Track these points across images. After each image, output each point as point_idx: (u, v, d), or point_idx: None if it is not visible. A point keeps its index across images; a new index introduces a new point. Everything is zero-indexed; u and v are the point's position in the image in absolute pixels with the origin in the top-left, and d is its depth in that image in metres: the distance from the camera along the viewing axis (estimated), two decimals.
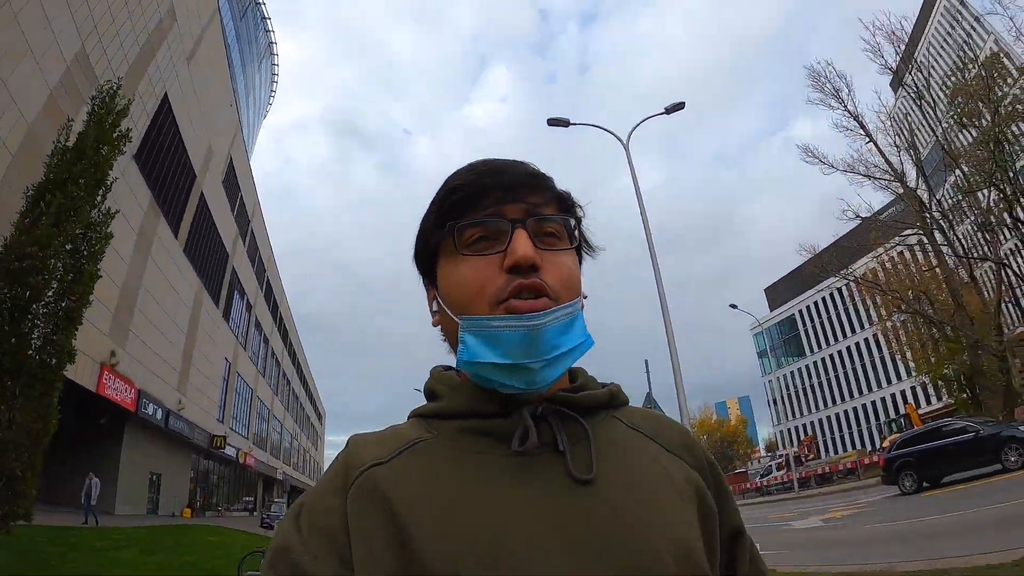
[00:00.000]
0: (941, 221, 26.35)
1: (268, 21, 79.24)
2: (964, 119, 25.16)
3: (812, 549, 11.08)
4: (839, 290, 37.88)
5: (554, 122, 16.45)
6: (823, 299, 64.27)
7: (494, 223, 0.77)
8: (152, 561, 12.08)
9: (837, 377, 75.56)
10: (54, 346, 9.28)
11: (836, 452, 63.47)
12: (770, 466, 45.68)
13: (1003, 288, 25.47)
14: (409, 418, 0.84)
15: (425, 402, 0.86)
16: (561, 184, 0.85)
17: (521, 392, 0.74)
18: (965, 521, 9.97)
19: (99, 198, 10.75)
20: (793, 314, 78.67)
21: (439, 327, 0.85)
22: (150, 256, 25.10)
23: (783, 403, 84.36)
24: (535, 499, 0.68)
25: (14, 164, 15.88)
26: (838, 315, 73.57)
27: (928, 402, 56.87)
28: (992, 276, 26.18)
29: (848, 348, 73.05)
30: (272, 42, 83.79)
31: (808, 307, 72.68)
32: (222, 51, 35.31)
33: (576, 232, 0.83)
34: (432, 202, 0.84)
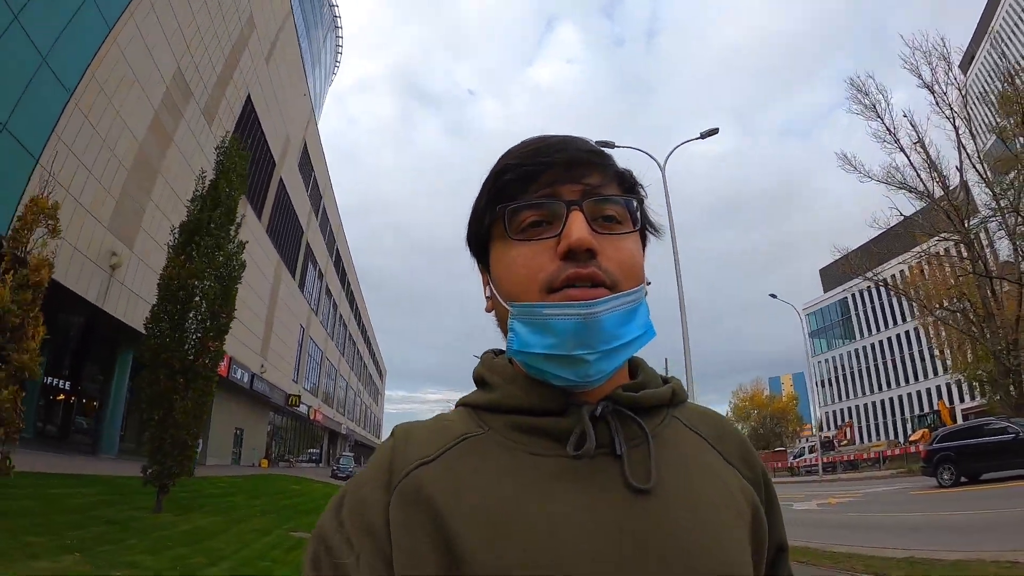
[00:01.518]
0: (971, 235, 27.18)
1: None
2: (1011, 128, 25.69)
3: (795, 527, 12.51)
4: (893, 276, 38.61)
5: (601, 144, 18.56)
6: (875, 285, 64.98)
7: (548, 205, 0.72)
8: (258, 504, 15.28)
9: (884, 364, 75.02)
10: (209, 351, 12.29)
11: (873, 439, 63.74)
12: (803, 448, 46.61)
13: (1021, 307, 26.25)
14: (457, 406, 0.82)
15: (474, 388, 0.83)
16: (623, 160, 0.81)
17: (575, 385, 0.71)
18: (952, 521, 10.77)
19: (233, 232, 13.51)
20: (846, 297, 77.85)
21: (492, 313, 0.80)
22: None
23: (830, 385, 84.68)
24: (590, 508, 0.64)
25: (131, 179, 19.09)
26: (890, 302, 72.81)
27: (961, 399, 56.58)
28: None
29: (897, 336, 72.43)
30: (337, 16, 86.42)
31: (861, 291, 72.20)
32: (295, 47, 38.16)
33: (639, 213, 0.77)
34: (484, 182, 0.79)
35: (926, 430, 37.70)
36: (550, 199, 0.72)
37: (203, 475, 20.33)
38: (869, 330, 77.91)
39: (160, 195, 21.16)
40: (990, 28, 70.54)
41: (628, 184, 0.78)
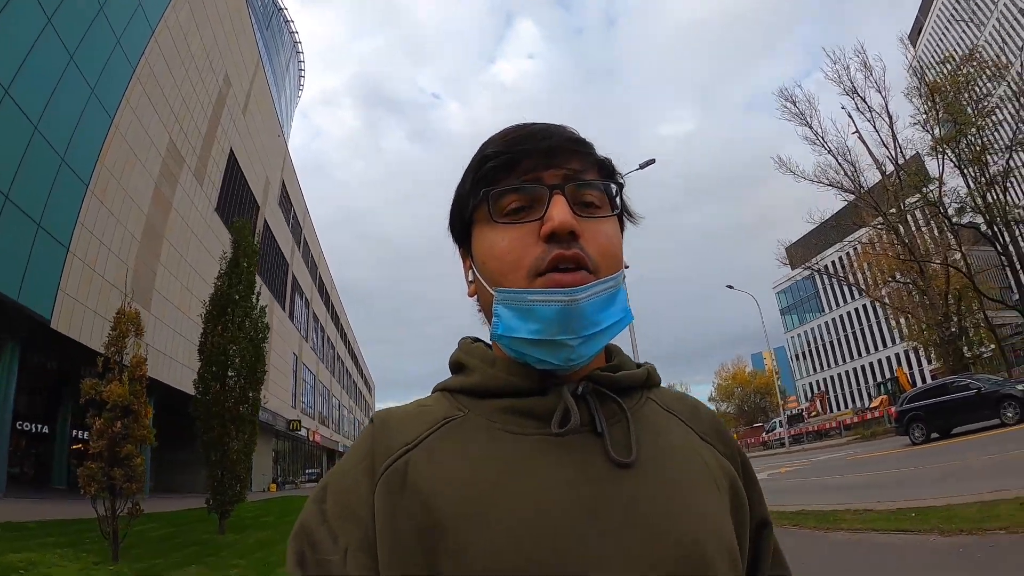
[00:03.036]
0: (900, 219, 30.17)
1: (291, 24, 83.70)
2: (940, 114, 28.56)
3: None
4: (854, 248, 41.67)
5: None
6: (839, 258, 67.44)
7: (531, 189, 0.74)
8: (291, 519, 17.60)
9: (852, 335, 78.80)
10: (249, 400, 14.76)
11: (845, 407, 66.67)
12: (774, 423, 48.60)
13: (948, 284, 29.35)
14: (434, 392, 0.83)
15: (450, 375, 0.84)
16: (600, 147, 0.82)
17: (557, 368, 0.72)
18: (874, 479, 12.38)
19: (255, 300, 15.84)
20: (811, 273, 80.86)
21: (475, 297, 0.82)
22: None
23: (805, 358, 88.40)
24: (576, 483, 0.66)
25: (142, 248, 21.24)
26: (853, 273, 75.89)
27: (928, 363, 58.86)
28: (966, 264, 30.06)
29: (863, 307, 75.43)
30: (297, 42, 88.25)
31: (827, 265, 75.05)
32: (267, 92, 40.20)
33: (618, 199, 0.79)
34: (467, 168, 0.81)
35: (885, 396, 40.67)
36: (534, 183, 0.74)
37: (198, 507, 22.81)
38: (836, 303, 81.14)
39: (167, 257, 23.34)
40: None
41: (608, 171, 0.80)
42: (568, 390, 0.73)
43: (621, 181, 0.81)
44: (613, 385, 0.77)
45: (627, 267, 0.80)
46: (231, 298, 15.07)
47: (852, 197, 31.68)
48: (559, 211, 0.71)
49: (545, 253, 0.71)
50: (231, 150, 30.94)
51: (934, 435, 18.34)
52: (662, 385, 0.88)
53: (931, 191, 29.11)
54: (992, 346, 33.46)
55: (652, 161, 20.59)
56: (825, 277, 67.61)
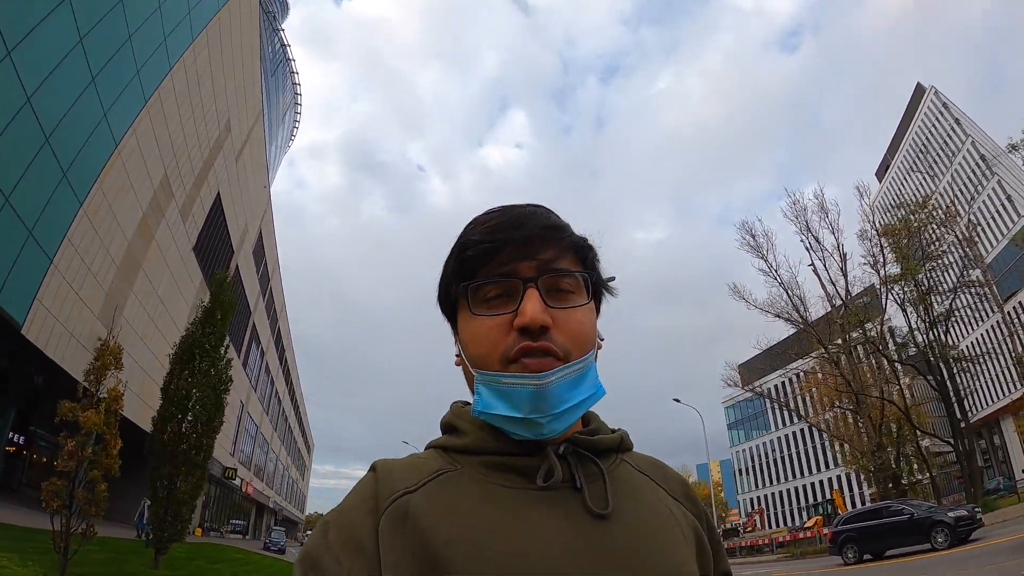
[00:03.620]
0: (847, 350, 32.06)
1: (296, 75, 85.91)
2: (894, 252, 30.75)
3: None
4: (797, 376, 43.54)
5: None
6: (784, 382, 68.90)
7: (506, 284, 0.81)
8: (217, 568, 17.40)
9: (796, 454, 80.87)
10: (201, 446, 14.91)
11: (783, 524, 67.82)
12: None
13: (882, 415, 31.10)
14: (427, 448, 0.90)
15: (441, 435, 0.91)
16: (577, 229, 0.90)
17: (533, 439, 0.80)
18: None
19: (223, 351, 16.20)
20: (761, 392, 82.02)
21: (460, 368, 0.88)
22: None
23: (748, 473, 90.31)
24: (558, 531, 0.73)
25: (119, 274, 21.43)
26: (795, 398, 77.86)
27: (864, 487, 60.54)
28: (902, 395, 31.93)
29: (805, 429, 77.07)
30: (298, 94, 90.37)
31: (776, 386, 76.65)
32: (262, 144, 41.34)
33: (592, 284, 0.87)
34: (451, 252, 0.88)
35: (820, 517, 41.47)
36: (507, 277, 0.81)
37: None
38: (783, 423, 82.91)
39: (139, 287, 23.45)
40: (905, 136, 78.96)
41: (583, 253, 0.88)
42: (552, 450, 0.81)
43: (596, 264, 0.91)
44: (591, 447, 0.84)
45: (602, 340, 0.89)
46: (202, 345, 15.45)
47: (799, 327, 33.57)
48: (531, 307, 0.78)
49: (515, 343, 0.78)
50: (218, 193, 31.50)
51: (867, 556, 18.84)
52: (634, 450, 0.96)
53: (873, 327, 31.03)
54: (934, 471, 34.94)
55: (612, 278, 21.65)
56: (776, 394, 69.45)
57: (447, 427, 0.91)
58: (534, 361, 0.77)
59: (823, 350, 32.63)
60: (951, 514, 17.68)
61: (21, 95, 15.07)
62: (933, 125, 71.95)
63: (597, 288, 0.91)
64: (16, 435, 24.95)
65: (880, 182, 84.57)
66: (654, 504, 0.84)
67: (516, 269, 0.81)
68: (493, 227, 0.83)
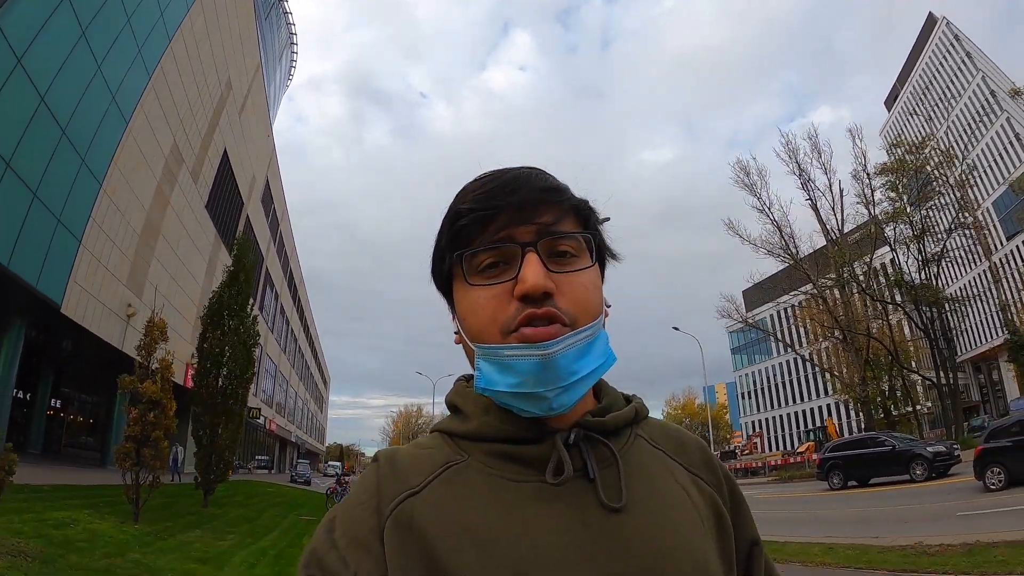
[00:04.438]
0: (829, 288, 33.55)
1: (290, 15, 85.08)
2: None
3: None
4: (793, 307, 44.97)
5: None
6: (785, 309, 68.97)
7: (504, 249, 0.75)
8: (254, 503, 19.68)
9: (795, 380, 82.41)
10: (237, 396, 16.83)
11: (780, 448, 68.81)
12: None
13: (867, 351, 32.63)
14: (432, 432, 0.86)
15: (448, 413, 0.87)
16: (578, 186, 0.84)
17: (542, 416, 0.75)
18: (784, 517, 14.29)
19: (249, 309, 17.86)
20: (764, 318, 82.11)
21: (461, 347, 0.84)
22: (215, 276, 32.41)
23: (750, 397, 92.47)
24: (569, 529, 0.69)
25: (140, 242, 23.00)
26: (796, 327, 78.03)
27: (848, 417, 62.61)
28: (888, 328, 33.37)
29: (806, 356, 78.60)
30: (293, 33, 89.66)
31: (774, 314, 76.24)
32: (263, 94, 42.04)
33: (596, 246, 0.81)
34: (442, 222, 0.82)
35: (812, 443, 43.56)
36: (504, 243, 0.75)
37: (188, 482, 23.60)
38: (783, 349, 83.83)
39: (160, 251, 25.09)
40: (915, 68, 76.70)
41: (585, 216, 0.82)
42: (561, 439, 0.75)
43: (598, 226, 0.84)
44: (602, 429, 0.78)
45: (609, 306, 0.84)
46: (229, 306, 17.03)
47: (789, 264, 34.84)
48: (531, 272, 0.72)
49: (518, 312, 0.72)
50: (225, 150, 32.74)
51: (852, 483, 19.86)
52: (649, 416, 0.90)
53: (862, 265, 32.31)
54: (927, 404, 36.79)
55: (607, 219, 22.87)
56: (775, 323, 70.57)
57: (451, 407, 0.87)
58: (537, 330, 0.71)
59: (811, 286, 34.00)
60: (930, 449, 18.77)
61: (35, 97, 16.30)
62: (944, 58, 69.60)
63: (601, 251, 0.84)
64: (54, 399, 27.19)
65: (889, 112, 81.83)
66: (670, 487, 0.79)
67: (513, 234, 0.76)
68: (486, 193, 0.77)
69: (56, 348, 22.94)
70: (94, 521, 10.24)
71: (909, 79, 77.79)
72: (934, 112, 69.22)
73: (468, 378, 0.88)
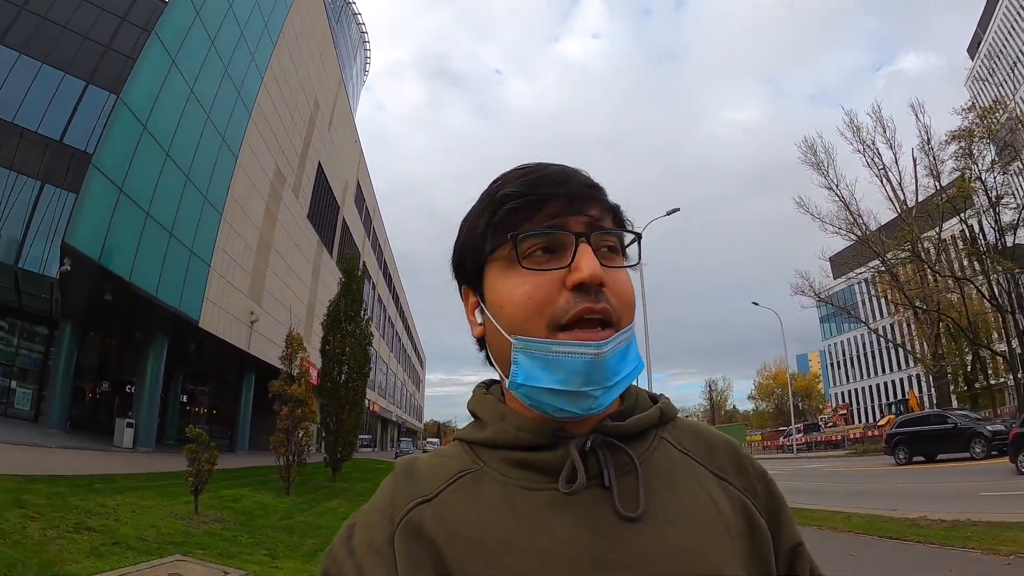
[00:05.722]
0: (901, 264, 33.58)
1: (359, 16, 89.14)
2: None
3: None
4: (868, 280, 44.20)
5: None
6: (864, 281, 65.67)
7: (558, 235, 0.73)
8: (372, 476, 22.89)
9: (882, 349, 77.85)
10: (358, 389, 19.97)
11: (868, 419, 66.87)
12: (791, 428, 50.51)
13: (939, 326, 32.59)
14: (454, 440, 0.85)
15: (471, 419, 0.86)
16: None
17: (574, 417, 0.72)
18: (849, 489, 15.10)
19: (362, 313, 20.85)
20: (852, 285, 78.12)
21: (481, 339, 0.82)
22: (320, 278, 36.27)
23: (839, 367, 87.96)
24: (582, 539, 0.67)
25: (257, 256, 26.58)
26: (882, 296, 72.67)
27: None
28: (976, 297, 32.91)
29: (894, 324, 70.31)
30: (364, 32, 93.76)
31: (864, 280, 72.04)
32: (347, 105, 45.34)
33: (638, 249, 0.80)
34: (481, 205, 0.79)
35: (892, 416, 43.33)
36: (560, 229, 0.73)
37: (313, 462, 28.06)
38: (872, 317, 79.61)
39: (273, 262, 28.74)
40: (996, 10, 70.38)
41: (619, 219, 0.80)
42: (576, 446, 0.73)
43: (638, 230, 0.81)
44: (621, 435, 0.76)
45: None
46: (345, 312, 20.05)
47: (856, 240, 34.92)
48: (588, 261, 0.70)
49: (569, 303, 0.70)
50: (319, 163, 36.27)
51: (918, 458, 20.15)
52: (679, 416, 0.87)
53: (932, 238, 32.14)
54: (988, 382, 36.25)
55: (676, 210, 24.64)
56: (864, 288, 68.20)
57: (473, 414, 0.85)
58: (593, 333, 0.70)
59: (879, 262, 34.08)
60: (989, 427, 18.75)
61: (161, 153, 19.76)
62: None
63: (638, 253, 0.82)
64: (183, 395, 31.66)
65: (972, 60, 75.07)
66: (694, 495, 0.75)
67: (565, 223, 0.74)
68: (535, 180, 0.76)
69: (184, 350, 26.71)
70: (257, 495, 13.33)
71: (991, 23, 71.85)
72: (1020, 58, 63.44)
73: (488, 384, 0.88)
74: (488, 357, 0.83)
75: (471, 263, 0.79)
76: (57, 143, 19.24)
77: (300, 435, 15.37)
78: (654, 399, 0.85)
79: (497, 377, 0.83)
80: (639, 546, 0.67)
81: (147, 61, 19.35)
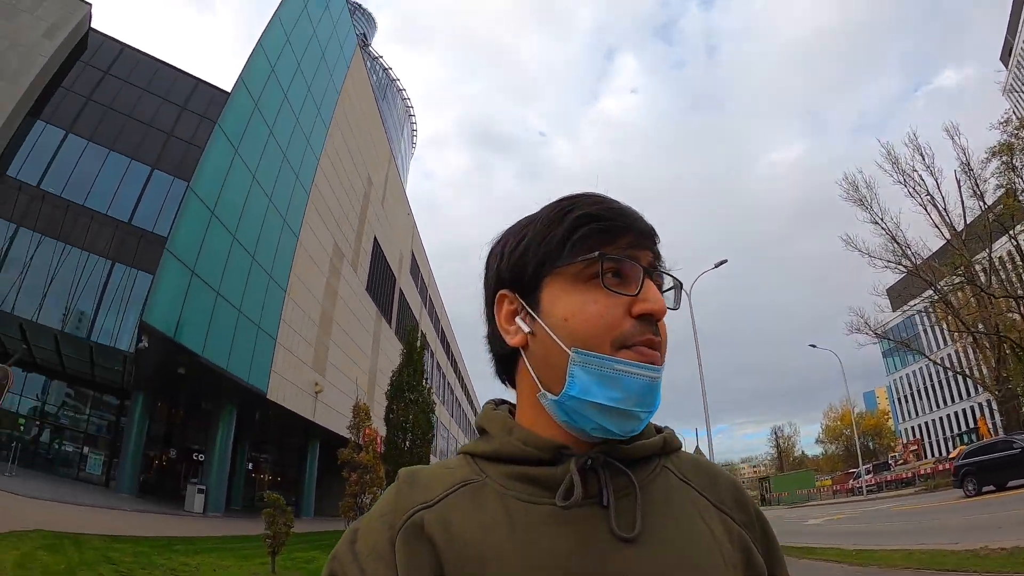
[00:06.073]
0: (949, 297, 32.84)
1: (404, 92, 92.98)
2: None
3: (805, 536, 15.26)
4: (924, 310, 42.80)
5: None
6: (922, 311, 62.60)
7: (633, 265, 0.76)
8: None
9: (949, 378, 73.53)
10: (422, 456, 20.28)
11: (940, 453, 62.86)
12: (859, 471, 48.04)
13: (1001, 348, 31.42)
14: (458, 454, 0.87)
15: (478, 436, 0.88)
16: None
17: (609, 435, 0.74)
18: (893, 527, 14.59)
19: (424, 382, 21.37)
20: (912, 316, 70.20)
21: (520, 345, 0.81)
22: (380, 347, 37.21)
23: (906, 401, 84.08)
24: (576, 553, 0.68)
25: (319, 330, 27.66)
26: (939, 325, 68.80)
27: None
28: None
29: (959, 351, 68.40)
30: (410, 106, 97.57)
31: (924, 309, 67.54)
32: (398, 180, 47.18)
33: (678, 294, 0.84)
34: (551, 219, 0.80)
35: (963, 447, 40.87)
36: (632, 260, 0.76)
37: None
38: (936, 346, 74.61)
39: (336, 335, 29.80)
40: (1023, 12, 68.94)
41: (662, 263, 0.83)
42: (576, 463, 0.74)
43: (681, 278, 0.85)
44: (624, 457, 0.77)
45: None
46: (408, 382, 20.67)
47: (906, 273, 34.17)
48: (656, 296, 0.75)
49: (634, 329, 0.73)
50: (375, 238, 37.77)
51: (988, 488, 19.12)
52: (683, 450, 0.88)
53: (982, 261, 31.27)
54: None
55: (724, 261, 24.99)
56: (921, 320, 65.19)
57: (479, 429, 0.88)
58: (654, 352, 0.74)
59: (932, 292, 33.33)
60: None
61: (228, 237, 21.05)
62: None
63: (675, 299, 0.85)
64: (249, 462, 32.61)
65: (1007, 68, 73.06)
66: (692, 522, 0.77)
67: (635, 255, 0.77)
68: (614, 210, 0.79)
69: (250, 419, 27.59)
70: (324, 555, 13.71)
71: (1020, 27, 70.37)
72: None
73: (497, 403, 0.90)
74: (514, 367, 0.85)
75: (533, 270, 0.80)
76: (127, 224, 20.94)
77: (368, 500, 15.86)
78: (659, 430, 0.86)
79: (508, 396, 0.89)
80: (633, 567, 0.69)
81: (213, 151, 20.98)
